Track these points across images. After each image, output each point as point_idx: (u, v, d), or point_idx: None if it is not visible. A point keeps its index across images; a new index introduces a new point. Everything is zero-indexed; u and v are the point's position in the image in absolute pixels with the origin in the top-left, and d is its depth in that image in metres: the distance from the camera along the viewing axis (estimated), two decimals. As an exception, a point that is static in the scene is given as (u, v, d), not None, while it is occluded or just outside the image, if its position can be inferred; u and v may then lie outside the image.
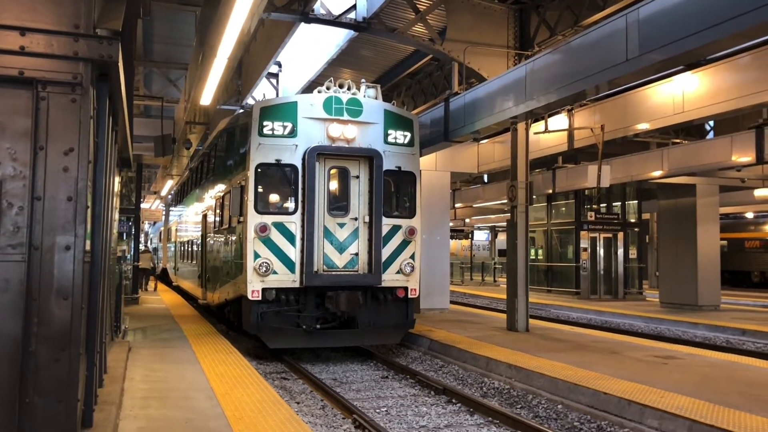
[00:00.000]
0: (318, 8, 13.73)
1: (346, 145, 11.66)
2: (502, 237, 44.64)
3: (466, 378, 10.48)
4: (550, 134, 17.73)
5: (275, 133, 11.40)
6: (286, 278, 11.19)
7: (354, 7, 14.19)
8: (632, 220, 26.79)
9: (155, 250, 36.77)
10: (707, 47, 8.41)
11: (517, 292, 13.89)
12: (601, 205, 26.66)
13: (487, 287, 35.46)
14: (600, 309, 21.16)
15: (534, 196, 15.17)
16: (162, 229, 33.08)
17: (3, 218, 4.41)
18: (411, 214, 12.28)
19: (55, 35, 4.55)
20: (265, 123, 11.38)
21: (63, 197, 4.52)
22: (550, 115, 17.28)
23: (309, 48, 19.98)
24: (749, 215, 34.76)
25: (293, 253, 11.24)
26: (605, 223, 25.70)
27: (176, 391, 7.83)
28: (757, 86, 12.48)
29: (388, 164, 11.87)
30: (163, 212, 32.42)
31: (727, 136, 16.67)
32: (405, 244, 12.03)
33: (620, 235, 25.80)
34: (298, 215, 11.31)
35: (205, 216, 16.66)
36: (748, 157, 15.68)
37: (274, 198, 11.70)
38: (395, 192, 12.38)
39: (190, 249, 20.18)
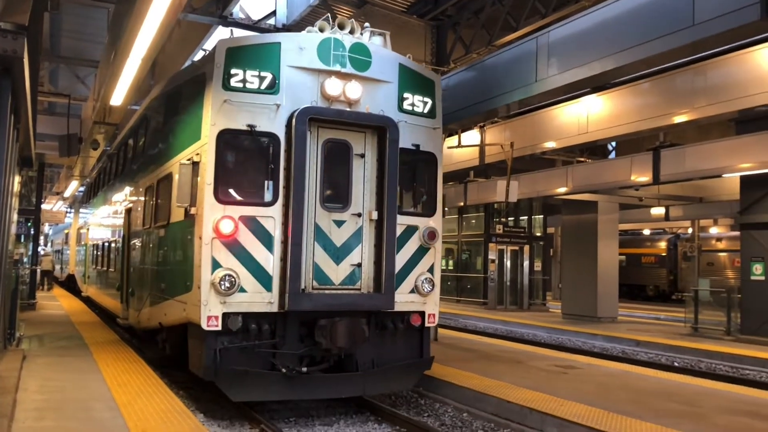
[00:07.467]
0: (237, 12, 13.60)
1: (348, 110, 8.38)
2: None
3: (376, 387, 10.53)
4: (463, 149, 18.19)
5: (248, 86, 7.99)
6: (258, 299, 7.91)
7: (274, 12, 14.15)
8: (538, 234, 27.87)
9: (59, 252, 35.07)
10: (611, 72, 8.93)
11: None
12: (509, 218, 27.54)
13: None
14: (506, 319, 21.81)
15: (446, 209, 15.45)
16: (69, 230, 31.20)
17: None
18: (431, 210, 9.13)
19: (-45, 27, 4.33)
20: (233, 71, 7.94)
21: (-42, 197, 4.29)
22: (463, 130, 17.74)
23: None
24: (646, 232, 36.89)
25: (270, 262, 7.96)
26: (512, 236, 26.61)
27: (75, 401, 7.51)
28: (655, 111, 13.28)
29: (403, 141, 8.57)
30: (68, 213, 30.91)
31: (627, 157, 17.57)
32: (422, 251, 8.86)
33: (526, 248, 26.78)
34: (278, 207, 8.00)
35: (129, 211, 12.94)
36: (645, 177, 16.55)
37: (243, 181, 8.27)
38: (411, 180, 9.19)
39: (106, 253, 16.35)
